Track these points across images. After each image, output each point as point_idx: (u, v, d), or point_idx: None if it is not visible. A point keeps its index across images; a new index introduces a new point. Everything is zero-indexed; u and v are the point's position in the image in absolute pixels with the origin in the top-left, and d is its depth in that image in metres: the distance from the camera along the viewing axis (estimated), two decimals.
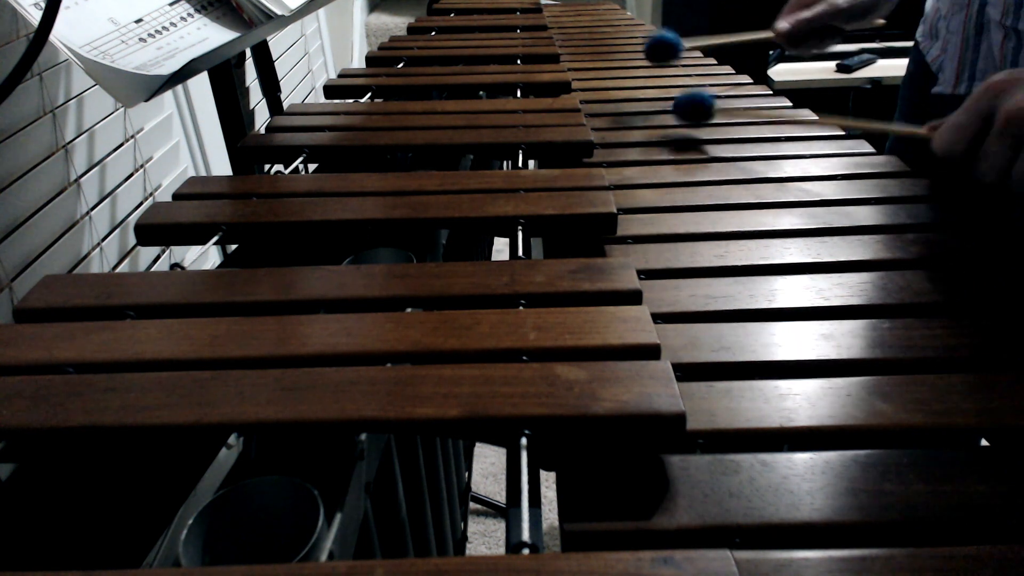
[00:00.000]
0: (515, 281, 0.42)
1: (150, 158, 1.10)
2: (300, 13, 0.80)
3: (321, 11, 2.02)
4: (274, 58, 0.98)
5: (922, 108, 0.80)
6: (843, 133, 0.72)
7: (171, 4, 0.68)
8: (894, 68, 2.21)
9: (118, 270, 1.01)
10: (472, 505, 1.39)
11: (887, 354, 0.39)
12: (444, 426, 0.31)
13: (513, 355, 0.35)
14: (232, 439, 0.36)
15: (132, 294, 0.42)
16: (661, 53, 0.92)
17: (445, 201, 0.53)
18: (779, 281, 0.46)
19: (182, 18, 0.68)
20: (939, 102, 0.77)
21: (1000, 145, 0.45)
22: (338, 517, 0.31)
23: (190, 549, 0.29)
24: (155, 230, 0.52)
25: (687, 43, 0.91)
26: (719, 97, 0.76)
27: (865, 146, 0.68)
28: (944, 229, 0.53)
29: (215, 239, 0.51)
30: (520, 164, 0.64)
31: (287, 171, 0.64)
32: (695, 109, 0.74)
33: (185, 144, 1.23)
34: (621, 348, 0.36)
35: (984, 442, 0.34)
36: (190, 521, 0.30)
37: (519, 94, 0.85)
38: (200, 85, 1.23)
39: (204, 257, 1.10)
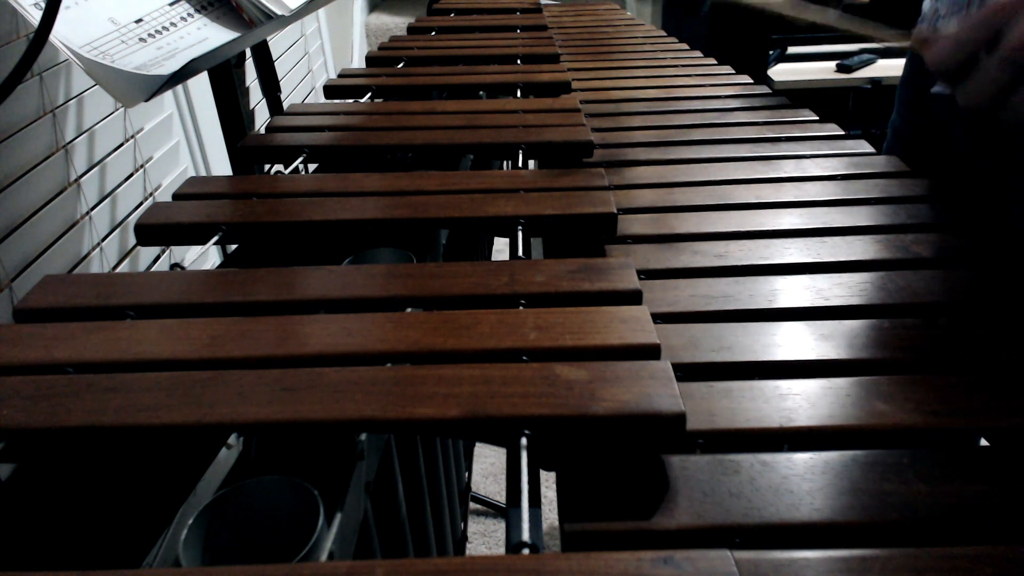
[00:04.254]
0: (515, 281, 0.42)
1: (150, 158, 1.10)
2: (300, 13, 0.80)
3: (321, 11, 2.02)
4: (274, 58, 0.98)
5: (920, 107, 0.80)
6: (843, 133, 0.72)
7: (171, 4, 0.68)
8: (894, 68, 2.21)
9: (118, 270, 1.01)
10: (472, 505, 1.39)
11: (887, 354, 0.39)
12: (444, 426, 0.31)
13: (513, 355, 0.35)
14: (232, 439, 0.36)
15: (132, 294, 0.42)
16: None
17: (445, 201, 0.53)
18: (779, 281, 0.46)
19: (182, 18, 0.68)
20: (937, 101, 0.77)
21: (1000, 72, 0.41)
22: (338, 517, 0.31)
23: (190, 549, 0.29)
24: (155, 230, 0.52)
25: None
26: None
27: (865, 146, 0.68)
28: (944, 229, 0.53)
29: (215, 239, 0.51)
30: (520, 164, 0.64)
31: (287, 171, 0.64)
32: None
33: (185, 144, 1.23)
34: (621, 348, 0.35)
35: (984, 442, 0.34)
36: (190, 521, 0.30)
37: (519, 94, 0.85)
38: (200, 85, 1.23)
39: (204, 257, 1.10)
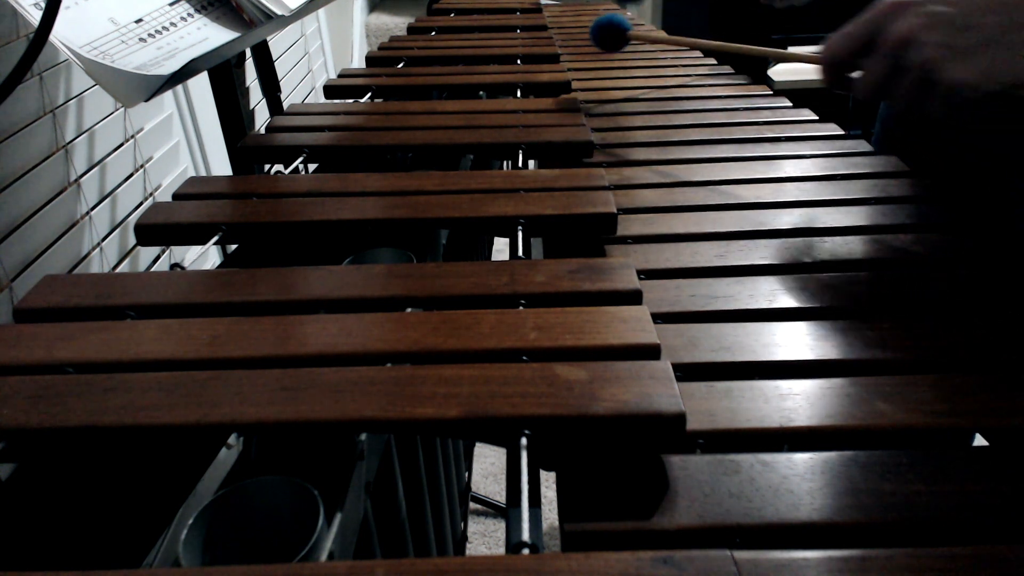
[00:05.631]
0: (515, 281, 0.42)
1: (150, 158, 1.10)
2: (300, 13, 0.80)
3: (321, 11, 2.02)
4: (274, 58, 0.98)
5: None
6: (843, 133, 0.72)
7: (171, 4, 0.68)
8: None
9: (118, 270, 1.01)
10: (472, 505, 1.39)
11: (887, 354, 0.39)
12: (444, 426, 0.31)
13: (513, 355, 0.35)
14: (232, 439, 0.36)
15: (132, 294, 0.42)
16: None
17: (445, 201, 0.53)
18: (779, 281, 0.46)
19: (182, 18, 0.68)
20: None
21: (879, 65, 0.46)
22: (338, 517, 0.31)
23: (190, 549, 0.29)
24: (155, 230, 0.52)
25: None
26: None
27: (865, 146, 0.68)
28: (943, 229, 0.53)
29: (215, 239, 0.51)
30: (520, 164, 0.64)
31: (287, 171, 0.64)
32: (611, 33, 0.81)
33: (185, 144, 1.23)
34: (621, 348, 0.35)
35: (984, 442, 0.34)
36: (190, 521, 0.30)
37: (519, 94, 0.85)
38: (200, 85, 1.23)
39: (204, 257, 1.10)
